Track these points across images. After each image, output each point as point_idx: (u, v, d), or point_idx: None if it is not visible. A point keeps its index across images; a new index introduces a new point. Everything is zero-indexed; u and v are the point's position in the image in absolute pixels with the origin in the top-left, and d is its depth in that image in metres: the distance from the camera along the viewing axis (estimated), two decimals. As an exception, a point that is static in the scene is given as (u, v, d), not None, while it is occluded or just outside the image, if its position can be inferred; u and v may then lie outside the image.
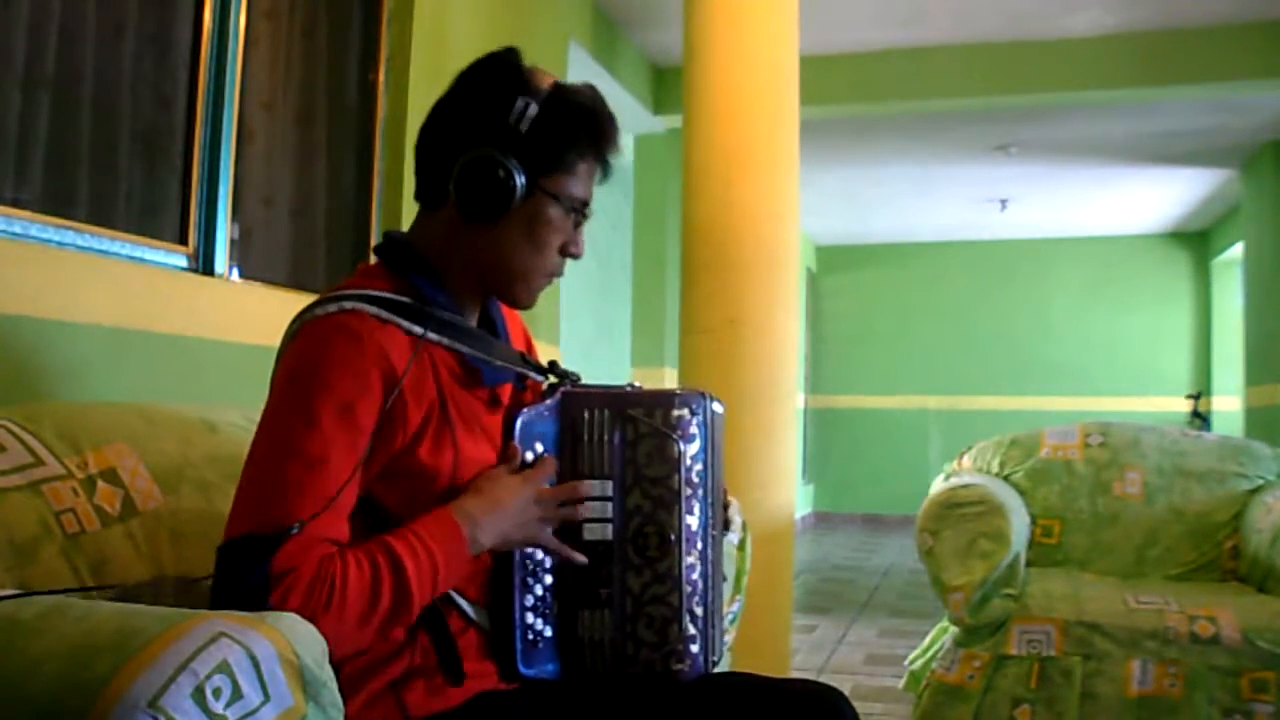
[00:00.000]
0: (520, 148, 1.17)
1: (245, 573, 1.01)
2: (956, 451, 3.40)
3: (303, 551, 1.02)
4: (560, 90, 1.21)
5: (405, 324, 1.15)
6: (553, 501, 1.20)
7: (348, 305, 1.13)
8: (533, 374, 1.28)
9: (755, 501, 3.16)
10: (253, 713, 0.84)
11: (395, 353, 1.12)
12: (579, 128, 1.21)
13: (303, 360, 1.12)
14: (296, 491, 1.04)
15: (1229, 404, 8.59)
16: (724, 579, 1.40)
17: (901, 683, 3.04)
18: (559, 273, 1.28)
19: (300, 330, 1.14)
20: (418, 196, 1.26)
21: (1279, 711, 2.45)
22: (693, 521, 1.23)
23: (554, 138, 1.19)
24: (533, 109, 1.17)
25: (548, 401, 1.24)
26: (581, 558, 1.22)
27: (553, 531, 1.21)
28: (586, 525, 1.23)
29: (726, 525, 1.41)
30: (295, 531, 1.02)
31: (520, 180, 1.17)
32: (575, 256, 1.27)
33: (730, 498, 1.43)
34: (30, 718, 0.83)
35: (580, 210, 1.24)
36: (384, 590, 1.05)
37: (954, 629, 2.70)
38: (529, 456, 1.22)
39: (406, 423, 1.13)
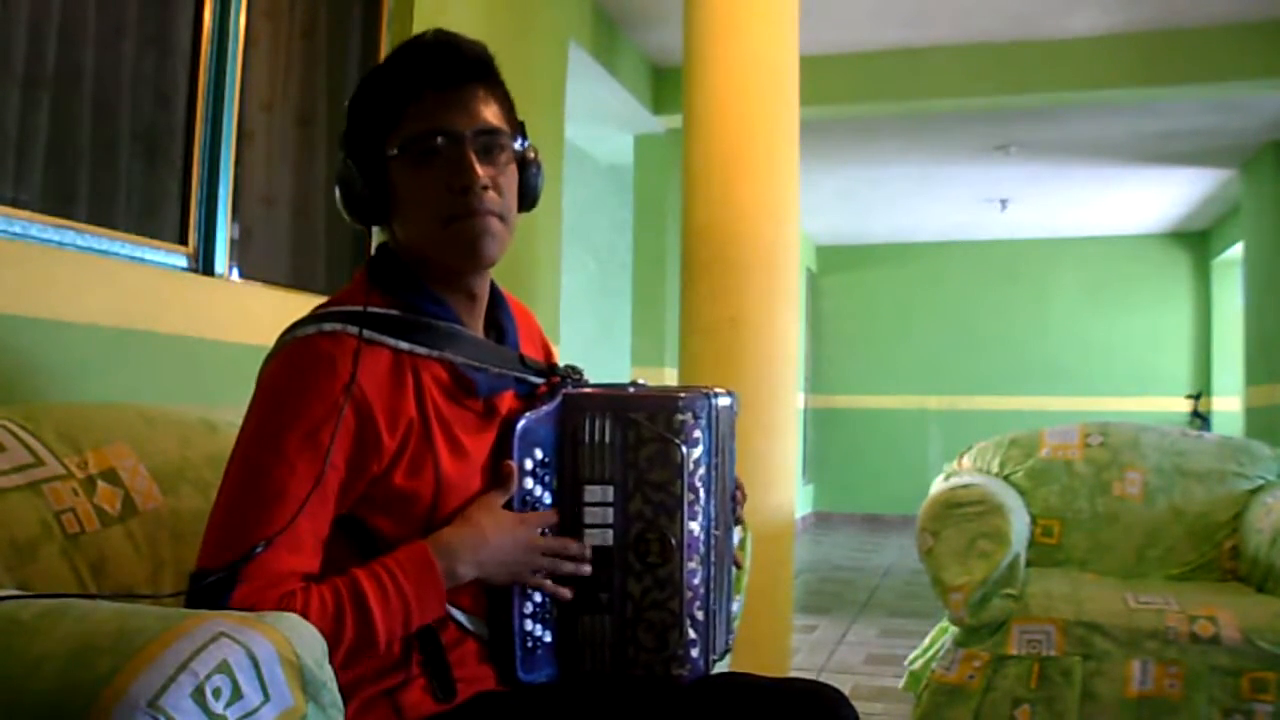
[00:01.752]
0: (351, 140, 1.21)
1: (207, 607, 1.00)
2: (956, 451, 3.40)
3: (264, 590, 1.02)
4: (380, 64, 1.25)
5: (390, 341, 1.14)
6: (543, 552, 1.19)
7: (327, 327, 1.12)
8: (530, 376, 1.26)
9: (755, 501, 3.15)
10: (253, 713, 0.84)
11: (371, 376, 1.11)
12: (385, 80, 1.22)
13: (275, 388, 1.11)
14: (259, 527, 1.03)
15: (1229, 404, 8.58)
16: (736, 567, 1.39)
17: (901, 683, 3.04)
18: (468, 210, 1.16)
19: (278, 352, 1.13)
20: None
21: (1279, 711, 2.45)
22: (695, 527, 1.22)
23: (370, 106, 1.21)
24: (348, 103, 1.23)
25: (547, 406, 1.22)
26: (567, 593, 1.20)
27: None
28: (587, 530, 1.22)
29: (738, 519, 1.40)
30: (251, 561, 1.01)
31: (350, 166, 1.19)
32: (464, 186, 1.15)
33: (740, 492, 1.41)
34: (30, 718, 0.83)
35: (418, 146, 1.16)
36: (346, 626, 1.04)
37: (954, 629, 2.70)
38: (528, 464, 1.21)
39: (381, 450, 1.11)
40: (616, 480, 1.22)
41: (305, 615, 1.01)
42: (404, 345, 1.15)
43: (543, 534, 1.20)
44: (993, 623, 2.63)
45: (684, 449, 1.21)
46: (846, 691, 1.27)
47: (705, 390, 1.26)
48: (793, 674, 3.08)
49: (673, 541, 1.21)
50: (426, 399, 1.16)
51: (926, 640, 2.99)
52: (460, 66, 1.20)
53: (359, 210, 1.20)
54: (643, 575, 1.21)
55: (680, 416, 1.21)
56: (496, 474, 1.20)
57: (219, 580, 1.01)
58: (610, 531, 1.21)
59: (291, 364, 1.11)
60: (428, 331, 1.17)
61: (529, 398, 1.26)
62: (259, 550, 1.02)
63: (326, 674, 0.92)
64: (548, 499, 1.22)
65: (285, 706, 0.87)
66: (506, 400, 1.25)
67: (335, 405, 1.08)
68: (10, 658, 0.87)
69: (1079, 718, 2.55)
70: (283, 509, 1.04)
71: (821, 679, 1.29)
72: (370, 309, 1.15)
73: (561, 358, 1.44)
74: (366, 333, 1.12)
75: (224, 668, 0.83)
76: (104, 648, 0.85)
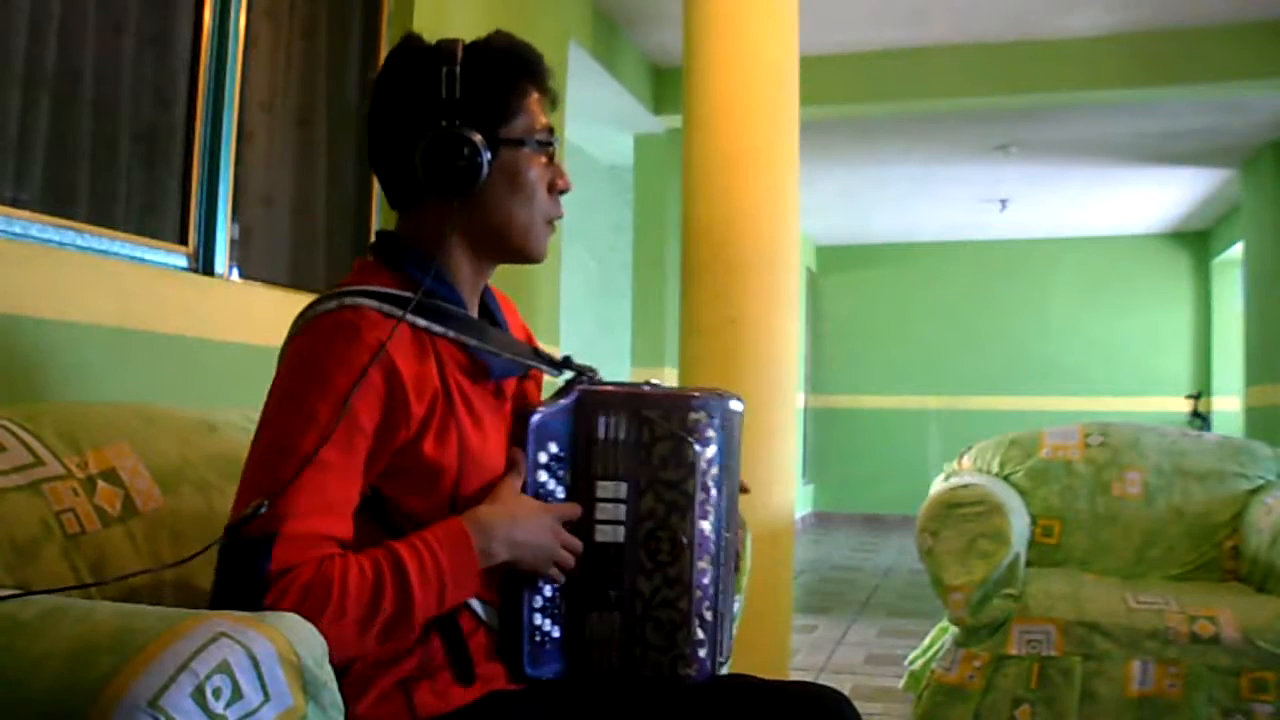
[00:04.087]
0: (464, 111, 1.17)
1: (243, 572, 1.00)
2: (956, 451, 3.40)
3: (303, 551, 1.01)
4: (473, 46, 1.21)
5: (409, 317, 1.14)
6: (562, 544, 1.19)
7: (349, 301, 1.12)
8: (546, 368, 1.28)
9: (755, 501, 3.16)
10: (253, 713, 0.84)
11: (397, 345, 1.11)
12: (506, 69, 1.21)
13: (302, 357, 1.12)
14: (294, 489, 1.03)
15: (1229, 404, 8.58)
16: (736, 571, 1.40)
17: (901, 683, 3.05)
18: (559, 214, 1.27)
19: (302, 327, 1.14)
20: (393, 204, 1.26)
21: (1279, 711, 2.45)
22: (706, 526, 1.22)
23: (489, 88, 1.19)
24: (457, 71, 1.17)
25: (563, 401, 1.23)
26: (560, 576, 1.21)
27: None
28: (599, 526, 1.22)
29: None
30: (283, 521, 1.01)
31: (479, 140, 1.17)
32: (565, 190, 1.27)
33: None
34: (30, 718, 0.83)
35: (548, 143, 1.24)
36: (385, 596, 1.04)
37: (954, 629, 2.71)
38: (542, 457, 1.21)
39: (409, 416, 1.11)
40: (629, 477, 1.22)
41: (345, 580, 1.02)
42: (421, 323, 1.15)
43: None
44: (993, 623, 2.63)
45: (698, 448, 1.21)
46: (846, 691, 1.28)
47: (719, 391, 1.27)
48: (792, 674, 3.09)
49: (683, 540, 1.21)
50: (448, 372, 1.17)
51: (926, 640, 2.99)
52: (548, 76, 1.25)
53: (466, 176, 1.16)
54: (653, 574, 1.21)
55: (695, 415, 1.22)
56: (511, 469, 1.21)
57: (257, 542, 1.00)
58: (621, 528, 1.22)
59: (317, 336, 1.12)
60: (443, 315, 1.18)
61: (530, 382, 1.29)
62: (274, 499, 1.01)
63: (327, 674, 0.92)
64: (560, 494, 1.23)
65: (285, 706, 0.87)
66: (512, 385, 1.26)
67: (363, 371, 1.08)
68: (10, 658, 0.87)
69: (1079, 718, 2.55)
70: (320, 474, 1.04)
71: (821, 679, 1.29)
72: (386, 290, 1.16)
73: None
74: (385, 306, 1.13)
75: (224, 668, 0.83)
76: (104, 647, 0.85)
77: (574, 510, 1.21)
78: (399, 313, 1.13)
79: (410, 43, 1.23)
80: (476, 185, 1.17)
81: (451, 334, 1.18)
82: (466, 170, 1.16)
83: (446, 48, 1.19)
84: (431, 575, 1.07)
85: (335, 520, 1.06)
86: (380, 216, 2.80)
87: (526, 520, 1.16)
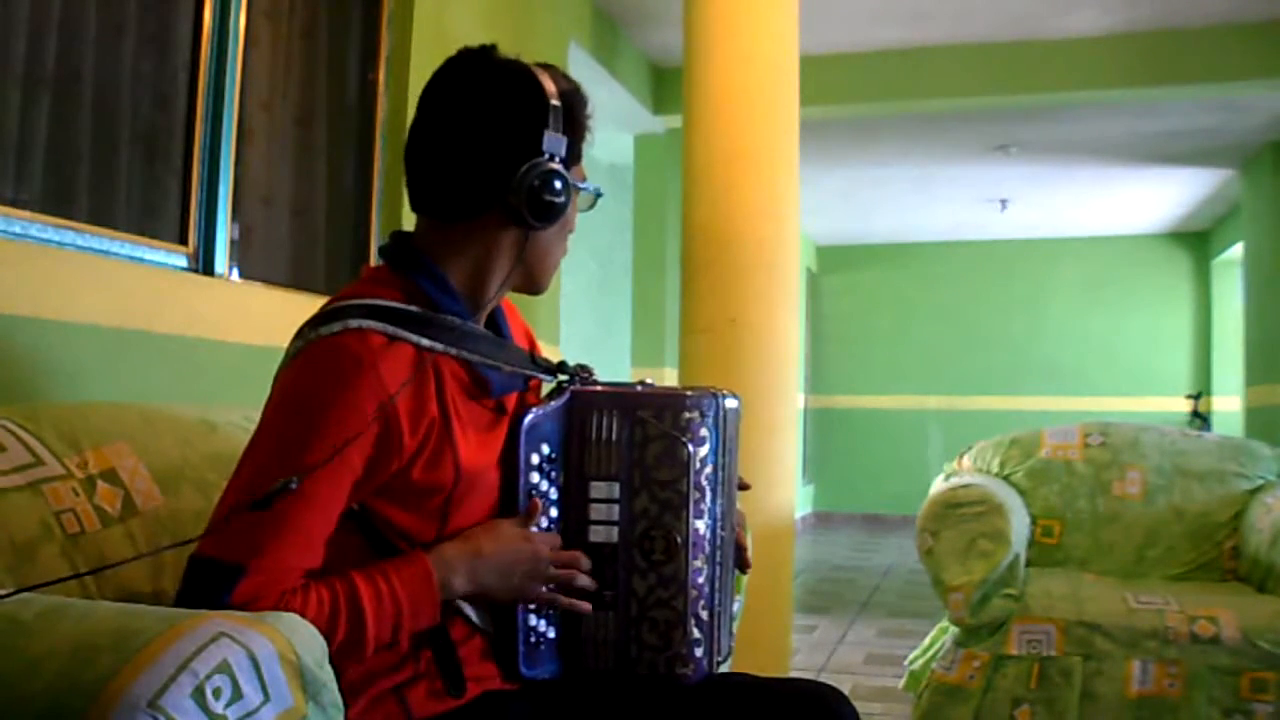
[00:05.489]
0: (562, 148, 1.19)
1: (208, 597, 1.00)
2: (956, 451, 3.40)
3: (267, 584, 1.01)
4: (564, 90, 1.21)
5: (414, 338, 1.13)
6: (550, 565, 1.19)
7: (353, 324, 1.10)
8: (541, 375, 1.27)
9: (755, 501, 3.16)
10: (253, 713, 0.84)
11: (395, 378, 1.09)
12: (584, 119, 1.24)
13: (300, 387, 1.10)
14: (273, 526, 1.03)
15: (1229, 404, 8.58)
16: (744, 569, 1.39)
17: (901, 683, 3.04)
18: (565, 254, 1.33)
19: (303, 351, 1.11)
20: (430, 211, 1.23)
21: (1279, 711, 2.45)
22: (701, 525, 1.22)
23: (574, 130, 1.22)
24: (561, 107, 1.19)
25: (555, 402, 1.23)
26: (587, 606, 1.20)
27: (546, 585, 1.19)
28: (592, 527, 1.22)
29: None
30: (255, 560, 1.01)
31: (569, 180, 1.20)
32: (570, 232, 1.31)
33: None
34: (30, 718, 0.83)
35: (592, 193, 1.28)
36: (339, 627, 1.04)
37: (954, 629, 2.70)
38: (534, 459, 1.21)
39: (401, 450, 1.10)
40: (622, 477, 1.22)
41: (303, 614, 1.01)
42: (425, 342, 1.14)
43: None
44: (993, 623, 2.63)
45: (690, 447, 1.21)
46: (846, 691, 1.28)
47: (713, 390, 1.26)
48: (793, 674, 3.08)
49: (678, 540, 1.21)
50: (446, 394, 1.16)
51: (926, 640, 2.99)
52: None
53: (555, 213, 1.19)
54: (647, 573, 1.21)
55: (688, 415, 1.22)
56: (508, 469, 1.20)
57: (226, 571, 1.00)
58: (615, 528, 1.22)
59: (318, 366, 1.09)
60: (448, 329, 1.17)
61: (531, 395, 1.28)
62: (263, 558, 1.01)
63: (326, 674, 0.92)
64: (554, 494, 1.23)
65: (285, 707, 0.87)
66: (513, 400, 1.26)
67: (361, 413, 1.06)
68: (10, 657, 0.87)
69: (1079, 718, 2.55)
70: (299, 511, 1.04)
71: (821, 679, 1.29)
72: (392, 305, 1.14)
73: (561, 358, 1.44)
74: (389, 329, 1.11)
75: (224, 668, 0.83)
76: (104, 647, 0.85)
77: (552, 540, 1.21)
78: (402, 333, 1.12)
79: (496, 57, 1.22)
80: (550, 210, 1.19)
81: (454, 351, 1.16)
82: (555, 206, 1.19)
83: (547, 82, 1.19)
84: (388, 609, 1.07)
85: (306, 552, 1.05)
86: (380, 217, 2.80)
87: (494, 556, 1.15)
